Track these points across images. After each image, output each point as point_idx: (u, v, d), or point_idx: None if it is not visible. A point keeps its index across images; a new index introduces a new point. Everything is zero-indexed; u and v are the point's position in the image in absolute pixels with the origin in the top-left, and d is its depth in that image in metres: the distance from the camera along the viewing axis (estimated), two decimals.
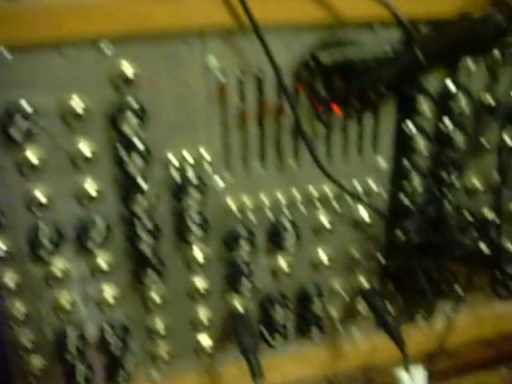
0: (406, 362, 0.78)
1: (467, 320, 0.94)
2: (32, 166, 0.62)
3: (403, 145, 0.74)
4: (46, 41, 0.58)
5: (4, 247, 0.66)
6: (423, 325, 0.92)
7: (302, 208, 0.74)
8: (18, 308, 0.71)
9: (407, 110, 0.73)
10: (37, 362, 0.75)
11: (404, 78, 0.67)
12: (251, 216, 0.72)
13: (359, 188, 0.76)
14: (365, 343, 0.90)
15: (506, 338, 0.96)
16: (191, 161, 0.68)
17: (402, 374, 0.78)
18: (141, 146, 0.65)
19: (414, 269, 0.81)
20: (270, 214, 0.73)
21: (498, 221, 0.80)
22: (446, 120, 0.75)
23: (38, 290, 0.71)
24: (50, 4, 0.57)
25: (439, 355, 0.88)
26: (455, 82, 0.73)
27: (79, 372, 0.75)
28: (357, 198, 0.74)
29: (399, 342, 0.79)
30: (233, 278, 0.76)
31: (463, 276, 0.83)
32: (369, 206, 0.76)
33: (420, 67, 0.62)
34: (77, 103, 0.61)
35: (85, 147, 0.64)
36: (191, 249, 0.73)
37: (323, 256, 0.79)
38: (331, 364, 0.88)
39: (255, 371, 0.73)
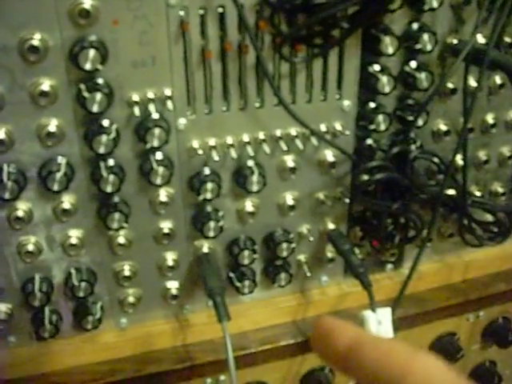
0: (372, 302, 0.78)
1: (435, 267, 0.95)
2: None
3: (368, 86, 0.74)
4: None
5: None
6: (392, 271, 0.93)
7: (268, 150, 0.73)
8: None
9: (372, 51, 0.73)
10: (3, 307, 0.75)
11: (367, 14, 0.67)
12: (216, 157, 0.72)
13: (324, 129, 0.76)
14: (333, 289, 0.90)
15: (473, 285, 0.97)
16: (154, 99, 0.67)
17: (369, 315, 0.78)
18: (103, 84, 0.64)
19: (381, 213, 0.82)
20: (235, 155, 0.72)
21: (463, 165, 0.81)
22: (411, 61, 0.75)
23: (2, 234, 0.70)
24: None
25: (407, 301, 0.89)
26: (420, 23, 0.73)
27: (46, 317, 0.75)
28: (321, 137, 0.74)
29: (365, 283, 0.80)
30: (199, 220, 0.76)
31: (431, 221, 0.84)
32: (332, 145, 0.76)
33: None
34: (36, 40, 0.60)
35: (46, 85, 0.63)
36: (157, 190, 0.73)
37: (289, 199, 0.79)
38: (300, 310, 0.89)
39: (221, 312, 0.74)
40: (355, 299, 0.89)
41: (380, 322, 0.79)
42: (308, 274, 0.85)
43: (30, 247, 0.72)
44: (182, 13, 0.64)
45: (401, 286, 0.86)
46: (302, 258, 0.85)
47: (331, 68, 0.73)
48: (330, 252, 0.86)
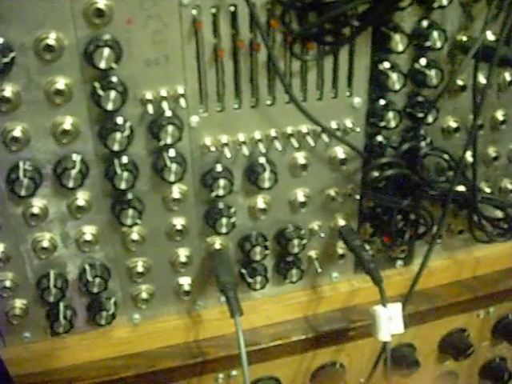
0: (383, 298, 0.79)
1: (445, 263, 0.96)
2: (7, 101, 0.62)
3: (379, 83, 0.75)
4: None
5: None
6: (402, 268, 0.93)
7: (279, 147, 0.74)
8: None
9: (382, 48, 0.73)
10: (18, 303, 0.76)
11: (377, 12, 0.67)
12: (228, 154, 0.73)
13: (335, 126, 0.76)
14: (344, 285, 0.91)
15: (484, 282, 0.98)
16: (167, 97, 0.68)
17: (380, 311, 0.79)
18: (117, 82, 0.65)
19: (391, 209, 0.82)
20: (246, 152, 0.73)
21: (473, 161, 0.81)
22: (421, 58, 0.76)
23: (18, 231, 0.71)
24: None
25: (417, 297, 0.90)
26: (430, 21, 0.74)
27: (61, 313, 0.76)
28: (332, 134, 0.75)
29: (376, 279, 0.80)
30: (211, 217, 0.77)
31: (441, 218, 0.84)
32: (343, 142, 0.76)
33: None
34: (52, 39, 0.61)
35: (61, 84, 0.64)
36: (170, 187, 0.74)
37: (301, 195, 0.80)
38: (311, 305, 0.90)
39: (234, 307, 0.75)
40: (366, 295, 0.89)
41: (391, 318, 0.79)
42: (319, 270, 0.86)
43: (45, 243, 0.73)
44: (194, 12, 0.65)
45: (411, 282, 0.86)
46: (312, 254, 0.86)
47: (342, 66, 0.74)
48: (340, 248, 0.87)
